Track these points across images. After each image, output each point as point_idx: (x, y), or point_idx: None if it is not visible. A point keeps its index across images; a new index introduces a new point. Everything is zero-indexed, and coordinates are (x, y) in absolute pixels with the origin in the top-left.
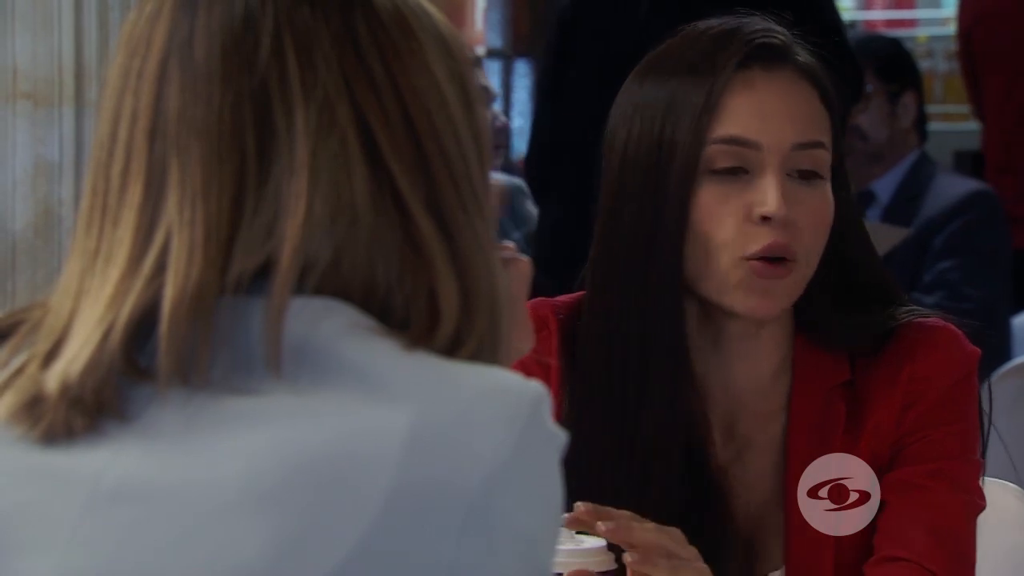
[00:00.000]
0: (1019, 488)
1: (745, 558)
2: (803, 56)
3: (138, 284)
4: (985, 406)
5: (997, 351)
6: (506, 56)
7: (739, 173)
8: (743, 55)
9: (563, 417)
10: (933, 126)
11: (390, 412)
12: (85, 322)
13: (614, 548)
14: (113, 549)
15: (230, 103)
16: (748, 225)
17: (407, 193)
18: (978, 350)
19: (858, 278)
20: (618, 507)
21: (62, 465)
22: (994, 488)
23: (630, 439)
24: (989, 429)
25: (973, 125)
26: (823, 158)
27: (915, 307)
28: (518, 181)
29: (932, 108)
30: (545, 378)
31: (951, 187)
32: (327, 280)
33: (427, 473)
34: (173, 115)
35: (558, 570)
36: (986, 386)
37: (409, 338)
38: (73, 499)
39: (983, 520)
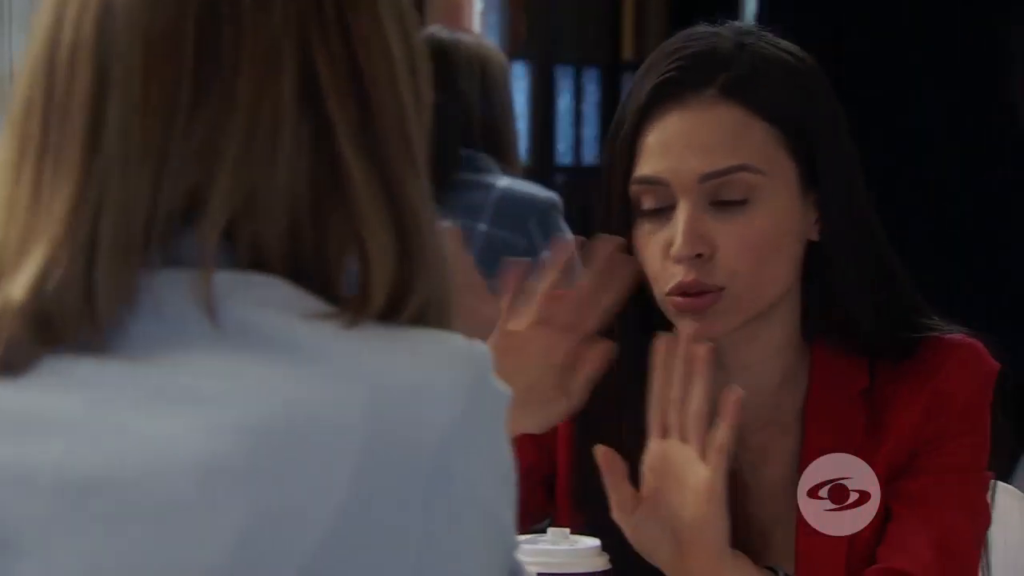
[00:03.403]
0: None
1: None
2: (741, 67)
3: (87, 211)
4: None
5: None
6: None
7: (663, 208)
8: (649, 94)
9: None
10: None
11: (346, 385)
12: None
13: (608, 549)
14: (90, 545)
15: (176, 14)
16: (667, 263)
17: (344, 137)
18: (997, 364)
19: (884, 288)
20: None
21: (18, 455)
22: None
23: (633, 446)
24: (1006, 439)
25: None
26: (747, 180)
27: (940, 322)
28: (554, 195)
29: None
30: None
31: None
32: (255, 222)
33: (388, 441)
34: (121, 17)
35: (553, 571)
36: (1001, 397)
37: (353, 305)
38: (38, 497)
39: None
